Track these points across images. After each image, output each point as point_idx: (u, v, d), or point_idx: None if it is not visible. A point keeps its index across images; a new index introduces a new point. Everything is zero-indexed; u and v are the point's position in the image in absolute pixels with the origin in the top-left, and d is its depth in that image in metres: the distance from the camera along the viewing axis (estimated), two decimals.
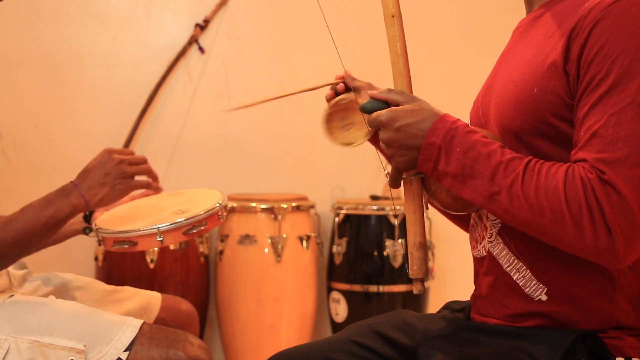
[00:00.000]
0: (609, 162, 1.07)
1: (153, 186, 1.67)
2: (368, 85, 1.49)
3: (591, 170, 1.08)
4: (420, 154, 1.19)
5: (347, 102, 1.42)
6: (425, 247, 1.25)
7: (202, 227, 1.58)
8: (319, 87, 1.54)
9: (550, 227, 1.10)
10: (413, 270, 1.25)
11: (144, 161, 1.62)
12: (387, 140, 1.21)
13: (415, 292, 1.27)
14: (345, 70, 1.51)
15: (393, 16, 1.24)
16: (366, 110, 1.25)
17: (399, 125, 1.19)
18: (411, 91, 1.27)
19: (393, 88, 1.26)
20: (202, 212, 1.57)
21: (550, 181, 1.10)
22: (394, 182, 1.25)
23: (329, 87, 1.52)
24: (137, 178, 1.62)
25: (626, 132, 1.08)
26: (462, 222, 1.51)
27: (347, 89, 1.51)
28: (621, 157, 1.07)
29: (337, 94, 1.51)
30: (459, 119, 1.20)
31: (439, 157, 1.17)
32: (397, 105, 1.22)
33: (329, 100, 1.50)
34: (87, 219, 1.74)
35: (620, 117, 1.08)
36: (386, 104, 1.23)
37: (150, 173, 1.64)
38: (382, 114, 1.21)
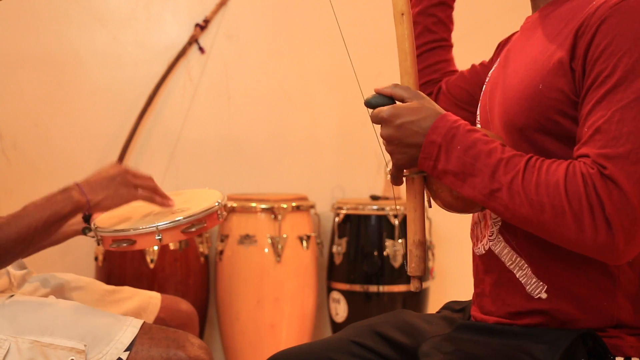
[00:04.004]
0: (612, 157, 1.08)
1: (159, 202, 1.65)
2: None
3: (592, 165, 1.08)
4: (421, 152, 1.18)
5: None
6: (424, 246, 1.24)
7: (201, 226, 1.58)
8: None
9: (551, 223, 1.09)
10: (411, 268, 1.24)
11: (149, 178, 1.63)
12: (387, 137, 1.21)
13: (413, 289, 1.26)
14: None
15: (402, 14, 1.24)
16: (371, 105, 1.24)
17: (400, 123, 1.19)
18: (417, 89, 1.26)
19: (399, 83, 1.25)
20: (200, 211, 1.58)
21: (551, 177, 1.10)
22: (395, 180, 1.25)
23: None
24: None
25: (629, 128, 1.08)
26: None
27: None
28: (624, 152, 1.07)
29: None
30: (460, 119, 1.20)
31: (439, 156, 1.17)
32: (402, 101, 1.22)
33: None
34: (87, 219, 1.74)
35: (624, 114, 1.08)
36: (391, 99, 1.23)
37: (155, 191, 1.64)
38: (384, 110, 1.21)
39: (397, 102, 1.23)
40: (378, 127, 1.25)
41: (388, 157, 1.26)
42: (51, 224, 1.51)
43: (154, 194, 1.63)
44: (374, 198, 3.12)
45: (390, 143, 1.21)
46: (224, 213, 1.65)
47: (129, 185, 1.57)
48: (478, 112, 1.41)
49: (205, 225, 1.58)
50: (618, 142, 1.08)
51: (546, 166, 1.12)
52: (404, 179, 1.26)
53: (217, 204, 1.62)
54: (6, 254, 1.48)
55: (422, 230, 1.24)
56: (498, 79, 1.33)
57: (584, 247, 1.09)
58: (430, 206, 1.29)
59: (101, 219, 1.66)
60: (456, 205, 1.26)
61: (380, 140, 1.25)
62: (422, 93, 1.23)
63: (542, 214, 1.10)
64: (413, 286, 1.26)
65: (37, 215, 1.49)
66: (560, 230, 1.09)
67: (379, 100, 1.23)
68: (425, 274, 1.26)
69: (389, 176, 1.27)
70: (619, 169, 1.07)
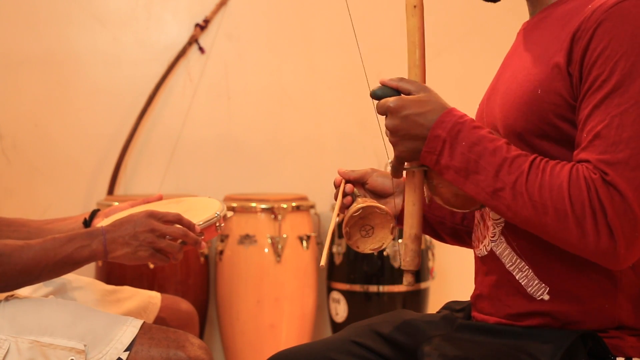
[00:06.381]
0: (612, 163, 1.08)
1: (191, 247, 1.55)
2: (371, 170, 1.46)
3: (594, 170, 1.08)
4: (424, 146, 1.18)
5: (360, 212, 1.38)
6: (420, 240, 1.23)
7: (199, 238, 1.56)
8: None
9: (553, 225, 1.10)
10: (405, 262, 1.23)
11: (180, 235, 1.51)
12: (392, 127, 1.20)
13: (405, 283, 1.25)
14: (338, 170, 1.48)
15: (415, 6, 1.23)
16: (377, 96, 1.23)
17: (406, 114, 1.18)
18: (424, 83, 1.25)
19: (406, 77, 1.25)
20: (200, 223, 1.56)
21: (555, 180, 1.10)
22: (395, 172, 1.25)
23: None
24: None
25: (629, 133, 1.08)
26: (462, 241, 1.51)
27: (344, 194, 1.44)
28: (623, 158, 1.07)
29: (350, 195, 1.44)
30: (466, 114, 1.19)
31: (442, 150, 1.17)
32: (408, 94, 1.21)
33: (345, 208, 1.42)
34: (87, 225, 1.74)
35: (623, 119, 1.08)
36: (396, 91, 1.22)
37: (185, 237, 1.51)
38: (391, 100, 1.20)
39: (402, 95, 1.22)
40: (382, 119, 1.24)
41: (389, 149, 1.24)
42: (63, 265, 1.45)
43: (184, 239, 1.52)
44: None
45: (395, 134, 1.20)
46: (223, 224, 1.62)
47: (150, 246, 1.50)
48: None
49: (202, 237, 1.56)
50: (617, 147, 1.08)
51: (550, 168, 1.12)
52: (404, 172, 1.25)
53: (216, 215, 1.60)
54: (10, 279, 1.43)
55: (419, 224, 1.24)
56: (497, 85, 1.33)
57: (585, 251, 1.10)
58: (427, 202, 1.29)
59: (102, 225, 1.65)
60: (455, 202, 1.25)
61: (384, 131, 1.24)
62: (428, 87, 1.22)
63: (545, 216, 1.10)
64: (406, 280, 1.25)
65: (52, 252, 1.44)
66: (562, 233, 1.10)
67: (385, 91, 1.23)
68: (418, 268, 1.24)
69: (389, 168, 1.26)
70: (620, 175, 1.07)
